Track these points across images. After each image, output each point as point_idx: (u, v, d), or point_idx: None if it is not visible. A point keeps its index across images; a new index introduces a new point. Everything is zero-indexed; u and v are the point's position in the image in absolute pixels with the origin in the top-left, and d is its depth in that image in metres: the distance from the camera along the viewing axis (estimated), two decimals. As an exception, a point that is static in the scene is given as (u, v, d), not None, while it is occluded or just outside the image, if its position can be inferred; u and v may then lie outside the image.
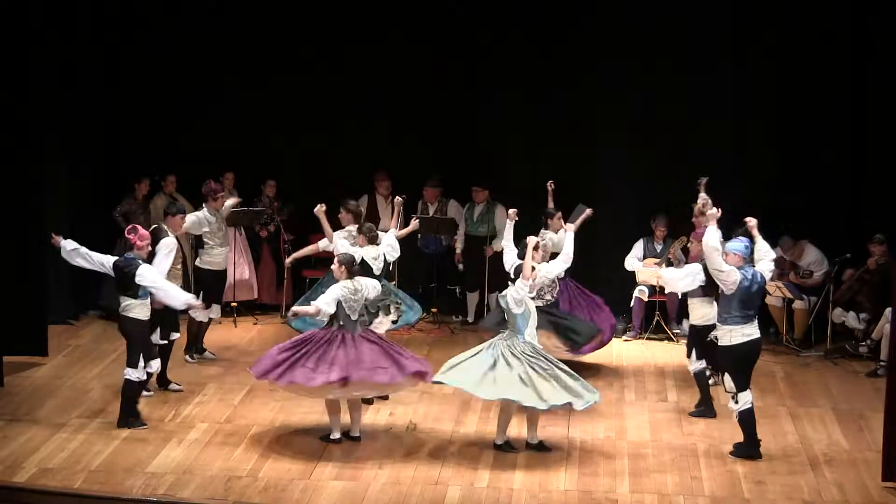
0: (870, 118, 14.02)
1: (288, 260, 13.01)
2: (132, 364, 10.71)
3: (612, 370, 12.97)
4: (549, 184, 12.98)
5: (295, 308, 10.79)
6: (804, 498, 9.65)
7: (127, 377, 10.73)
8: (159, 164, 14.53)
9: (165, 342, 11.56)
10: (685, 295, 11.41)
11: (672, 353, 13.41)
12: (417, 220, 12.69)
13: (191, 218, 12.29)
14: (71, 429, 10.77)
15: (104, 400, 11.52)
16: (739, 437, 10.41)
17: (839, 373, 12.92)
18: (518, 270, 10.56)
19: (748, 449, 10.33)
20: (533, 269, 10.52)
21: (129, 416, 10.79)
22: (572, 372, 10.32)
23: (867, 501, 9.61)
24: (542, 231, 12.64)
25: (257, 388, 11.75)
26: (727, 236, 10.64)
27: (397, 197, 12.34)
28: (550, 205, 12.89)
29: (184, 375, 12.18)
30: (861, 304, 13.29)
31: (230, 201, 13.16)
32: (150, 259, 10.82)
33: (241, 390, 11.89)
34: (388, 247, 11.78)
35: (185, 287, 11.51)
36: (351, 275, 10.54)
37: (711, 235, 10.26)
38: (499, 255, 14.04)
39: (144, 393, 11.25)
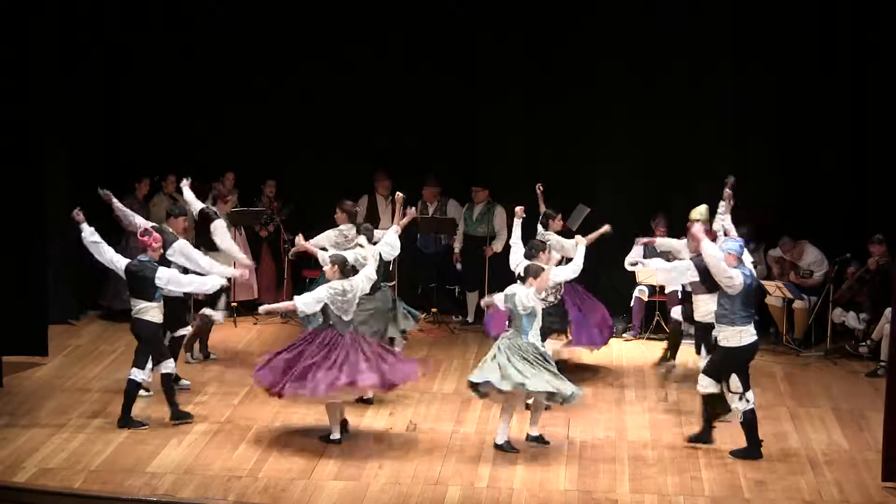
0: (870, 119, 14.01)
1: (292, 251, 12.96)
2: (139, 365, 10.73)
3: (612, 370, 12.97)
4: (538, 186, 12.92)
5: (268, 306, 10.75)
6: (804, 498, 9.65)
7: (132, 377, 10.74)
8: (159, 164, 14.52)
9: (174, 338, 11.57)
10: (686, 295, 11.42)
11: (672, 353, 13.41)
12: (415, 209, 12.56)
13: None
14: (71, 429, 10.77)
15: (104, 400, 11.52)
16: (739, 437, 10.41)
17: (839, 373, 12.92)
18: (528, 271, 10.52)
19: (750, 452, 10.33)
20: (542, 269, 10.52)
21: (130, 416, 10.79)
22: (562, 376, 10.40)
23: (867, 501, 9.61)
24: (543, 232, 12.60)
25: (257, 388, 11.74)
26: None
27: (397, 193, 12.19)
28: (541, 206, 12.83)
29: (184, 375, 12.16)
30: (861, 304, 13.30)
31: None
32: (162, 260, 10.86)
33: (241, 390, 11.88)
34: (385, 245, 11.70)
35: (186, 294, 11.57)
36: (344, 275, 10.51)
37: (710, 245, 10.31)
38: (498, 256, 14.13)
39: (143, 393, 11.25)
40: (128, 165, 14.65)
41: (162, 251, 10.92)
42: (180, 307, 11.69)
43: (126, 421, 10.77)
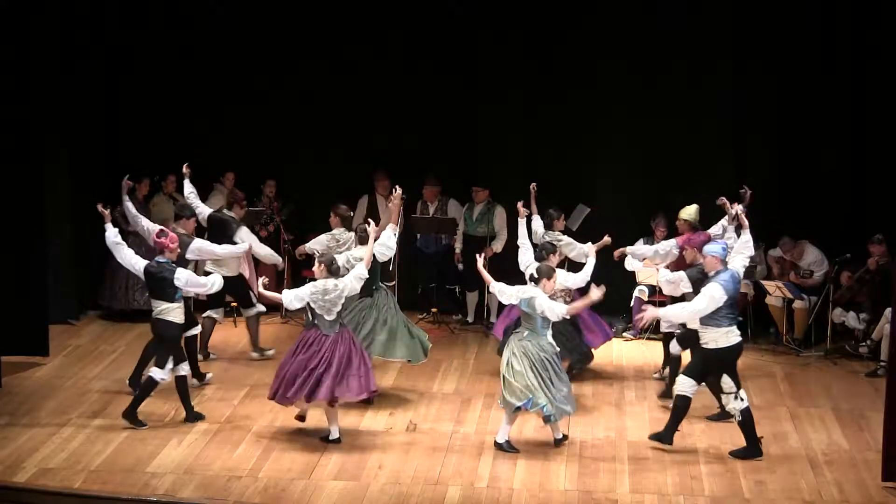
0: (870, 119, 14.01)
1: (298, 252, 12.95)
2: (160, 365, 10.79)
3: (612, 370, 12.97)
4: (532, 186, 12.88)
5: (264, 291, 10.68)
6: (804, 498, 9.65)
7: (152, 375, 10.80)
8: (159, 164, 14.53)
9: (186, 339, 11.57)
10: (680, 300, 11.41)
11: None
12: (404, 198, 12.33)
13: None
14: (71, 429, 10.78)
15: (104, 400, 11.52)
16: (739, 436, 10.41)
17: (839, 373, 12.92)
18: (540, 272, 10.44)
19: (750, 451, 10.34)
20: (553, 271, 10.51)
21: (136, 413, 10.79)
22: (570, 385, 10.45)
23: (867, 501, 9.62)
24: (546, 232, 12.59)
25: (257, 388, 11.76)
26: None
27: (396, 187, 11.97)
28: (533, 207, 12.77)
29: (184, 375, 12.19)
30: (861, 304, 13.30)
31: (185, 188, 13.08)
32: (179, 261, 10.87)
33: (241, 390, 11.89)
34: (380, 246, 11.47)
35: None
36: (330, 274, 10.50)
37: (674, 313, 10.51)
38: (498, 256, 14.12)
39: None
40: (128, 165, 14.60)
41: (179, 251, 10.97)
42: (186, 308, 11.68)
43: (132, 415, 10.77)
